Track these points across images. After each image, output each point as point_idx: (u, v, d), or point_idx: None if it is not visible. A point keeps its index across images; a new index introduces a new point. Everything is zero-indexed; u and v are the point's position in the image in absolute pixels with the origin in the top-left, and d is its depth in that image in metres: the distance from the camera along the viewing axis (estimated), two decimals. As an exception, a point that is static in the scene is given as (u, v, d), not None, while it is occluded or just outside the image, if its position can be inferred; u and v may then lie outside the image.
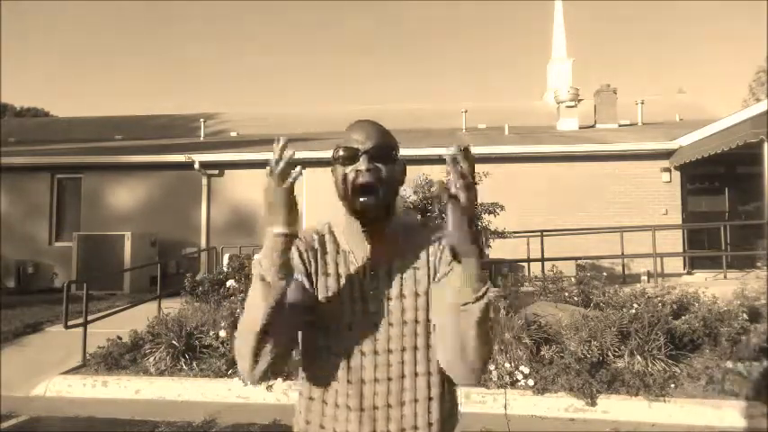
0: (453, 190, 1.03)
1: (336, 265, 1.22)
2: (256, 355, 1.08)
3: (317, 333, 1.20)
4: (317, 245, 1.24)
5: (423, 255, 1.23)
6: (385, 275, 1.21)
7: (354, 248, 1.23)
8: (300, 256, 1.21)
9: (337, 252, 1.24)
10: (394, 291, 1.20)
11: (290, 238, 1.07)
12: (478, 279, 1.06)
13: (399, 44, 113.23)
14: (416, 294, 1.20)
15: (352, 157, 1.18)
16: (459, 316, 1.07)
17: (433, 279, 1.21)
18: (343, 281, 1.21)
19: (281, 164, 1.04)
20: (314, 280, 1.21)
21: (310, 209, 11.65)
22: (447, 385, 1.22)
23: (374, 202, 1.16)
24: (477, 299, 1.06)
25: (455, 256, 1.06)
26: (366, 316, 1.18)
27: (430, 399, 1.18)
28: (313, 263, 1.22)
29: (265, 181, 1.06)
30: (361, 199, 1.15)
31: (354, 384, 1.16)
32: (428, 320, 1.19)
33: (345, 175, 1.18)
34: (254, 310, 1.06)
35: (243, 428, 4.25)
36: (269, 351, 1.08)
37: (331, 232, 1.27)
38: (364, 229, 1.20)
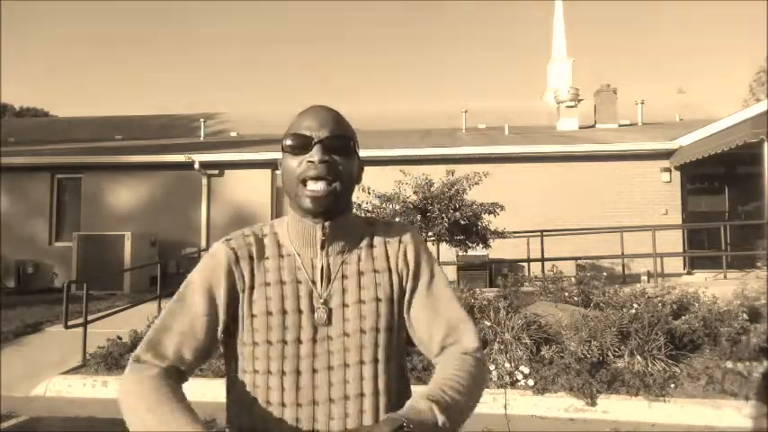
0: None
1: (280, 270, 1.06)
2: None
3: (256, 351, 1.02)
4: (253, 250, 1.07)
5: (380, 253, 1.10)
6: (339, 280, 1.06)
7: (301, 251, 1.07)
8: (231, 268, 1.05)
9: (280, 256, 1.08)
10: (351, 296, 1.05)
11: None
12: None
13: (399, 44, 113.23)
14: (377, 299, 1.06)
15: (303, 146, 1.03)
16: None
17: (397, 283, 1.09)
18: (288, 288, 1.04)
19: None
20: (243, 297, 1.04)
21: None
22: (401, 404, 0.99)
23: (327, 200, 1.02)
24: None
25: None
26: (318, 327, 1.03)
27: (376, 409, 1.02)
28: (247, 274, 1.05)
29: None
30: (311, 198, 1.01)
31: (305, 407, 1.00)
32: (389, 329, 1.06)
33: (295, 167, 1.03)
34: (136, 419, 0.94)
35: None
36: None
37: (273, 233, 1.11)
38: (318, 224, 1.05)
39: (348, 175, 1.06)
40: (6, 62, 72.75)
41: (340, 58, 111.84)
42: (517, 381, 4.66)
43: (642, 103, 15.79)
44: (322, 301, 1.04)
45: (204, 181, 11.93)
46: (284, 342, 1.01)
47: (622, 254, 9.74)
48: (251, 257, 1.07)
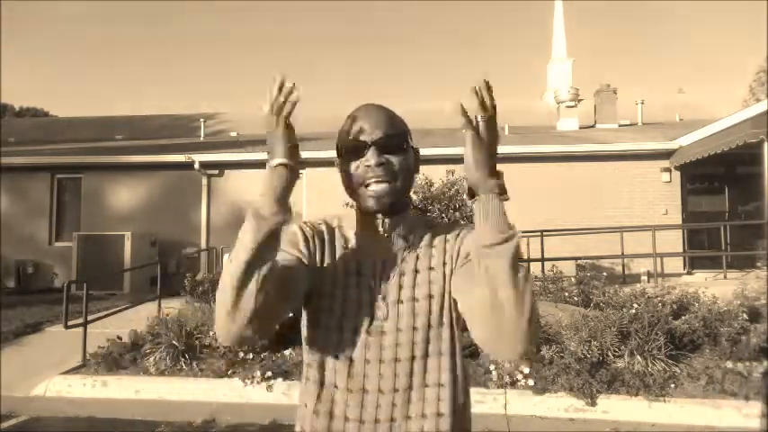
0: (474, 122, 0.95)
1: (344, 262, 1.10)
2: (237, 296, 0.91)
3: (318, 334, 1.08)
4: (325, 235, 1.12)
5: (439, 252, 1.11)
6: (397, 276, 1.08)
7: (364, 246, 1.11)
8: (306, 240, 1.09)
9: (346, 247, 1.12)
10: (406, 292, 1.07)
11: (291, 170, 0.97)
12: (503, 216, 0.92)
13: (399, 44, 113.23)
14: (429, 297, 1.07)
15: (358, 150, 1.05)
16: (487, 264, 0.90)
17: (450, 273, 1.09)
18: (350, 280, 1.09)
19: (281, 98, 0.94)
20: (313, 273, 1.08)
21: (310, 208, 11.66)
22: (461, 399, 1.08)
23: (387, 198, 1.05)
24: (506, 240, 0.90)
25: (473, 195, 0.95)
26: (374, 320, 1.06)
27: (439, 414, 1.04)
28: (318, 252, 1.09)
29: (265, 115, 0.96)
30: (373, 197, 1.05)
31: (355, 393, 1.04)
32: (441, 325, 1.06)
33: (354, 171, 1.06)
34: (240, 245, 0.95)
35: (243, 428, 4.25)
36: (253, 293, 0.91)
37: (340, 226, 1.16)
38: (379, 220, 1.09)
39: (405, 171, 1.08)
40: (6, 62, 72.78)
41: (340, 58, 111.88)
42: (517, 381, 4.66)
43: (642, 103, 15.79)
44: (381, 296, 1.07)
45: (204, 181, 11.93)
46: (341, 329, 1.06)
47: (622, 254, 9.73)
48: (321, 240, 1.12)
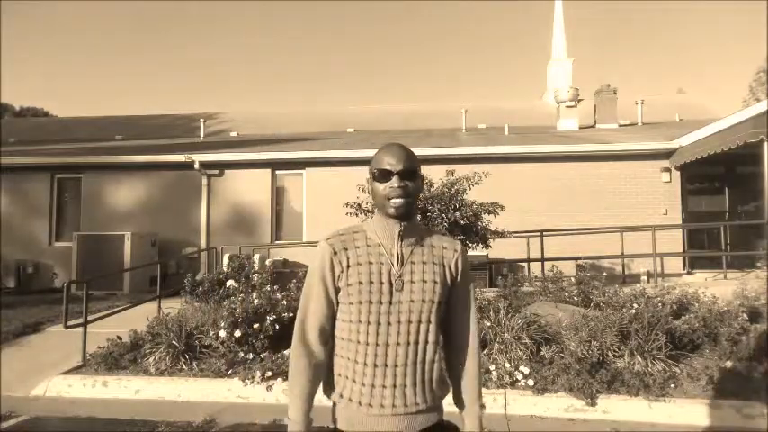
0: None
1: (368, 254, 1.56)
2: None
3: (351, 308, 1.53)
4: (348, 244, 1.58)
5: (438, 253, 1.62)
6: (409, 263, 1.56)
7: (384, 242, 1.58)
8: (332, 259, 1.56)
9: (368, 245, 1.58)
10: (417, 276, 1.55)
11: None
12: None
13: (399, 44, 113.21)
14: (434, 281, 1.57)
15: (386, 176, 1.54)
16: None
17: (448, 275, 1.60)
18: (374, 267, 1.54)
19: None
20: (341, 276, 1.55)
21: (310, 207, 11.66)
22: (440, 353, 1.61)
23: (403, 209, 1.54)
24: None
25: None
26: (394, 294, 1.53)
27: (433, 361, 1.56)
28: (344, 260, 1.56)
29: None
30: (394, 208, 1.54)
31: (381, 346, 1.51)
32: (439, 303, 1.56)
33: (382, 190, 1.55)
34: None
35: (243, 428, 4.25)
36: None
37: (363, 231, 1.62)
38: (396, 223, 1.56)
39: (416, 191, 1.60)
40: (6, 62, 72.73)
41: (340, 58, 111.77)
42: (517, 381, 4.65)
43: (642, 103, 15.79)
44: (398, 276, 1.55)
45: (204, 181, 11.93)
46: (370, 302, 1.52)
47: (622, 254, 9.73)
48: (345, 249, 1.58)
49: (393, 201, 1.53)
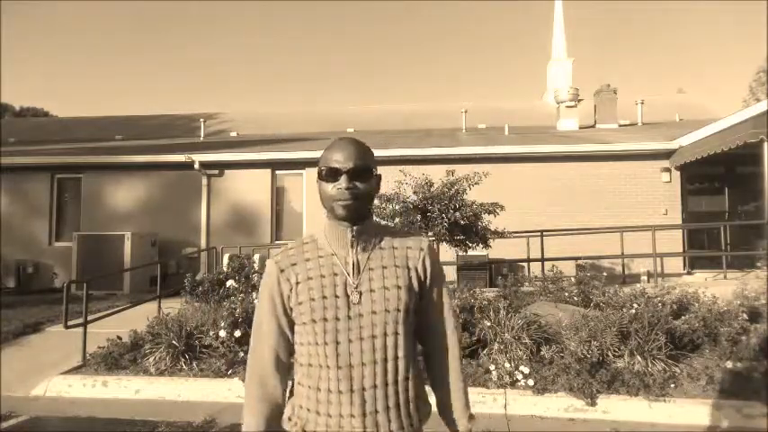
0: None
1: (320, 267, 1.39)
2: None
3: (305, 328, 1.35)
4: (296, 258, 1.42)
5: (401, 254, 1.43)
6: (366, 270, 1.38)
7: (337, 250, 1.40)
8: (278, 278, 1.40)
9: (320, 256, 1.41)
10: (377, 283, 1.37)
11: None
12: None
13: (399, 44, 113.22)
14: (398, 287, 1.38)
15: (334, 175, 1.35)
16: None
17: (415, 278, 1.42)
18: (326, 280, 1.37)
19: None
20: (291, 295, 1.39)
21: (309, 207, 11.66)
22: (417, 368, 1.41)
23: (353, 210, 1.36)
24: None
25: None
26: (351, 307, 1.34)
27: (407, 379, 1.36)
28: (292, 277, 1.39)
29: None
30: (342, 207, 1.35)
31: (344, 369, 1.31)
32: (407, 311, 1.37)
33: (329, 190, 1.36)
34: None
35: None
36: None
37: (314, 240, 1.45)
38: (348, 228, 1.38)
39: (367, 193, 1.38)
40: (6, 62, 72.72)
41: (340, 58, 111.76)
42: (517, 381, 4.65)
43: (642, 103, 15.79)
44: (354, 287, 1.36)
45: (204, 181, 11.93)
46: (325, 320, 1.33)
47: (622, 254, 9.73)
48: (293, 264, 1.41)
49: (341, 202, 1.35)
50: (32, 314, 7.78)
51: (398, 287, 1.38)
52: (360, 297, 1.35)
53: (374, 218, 1.50)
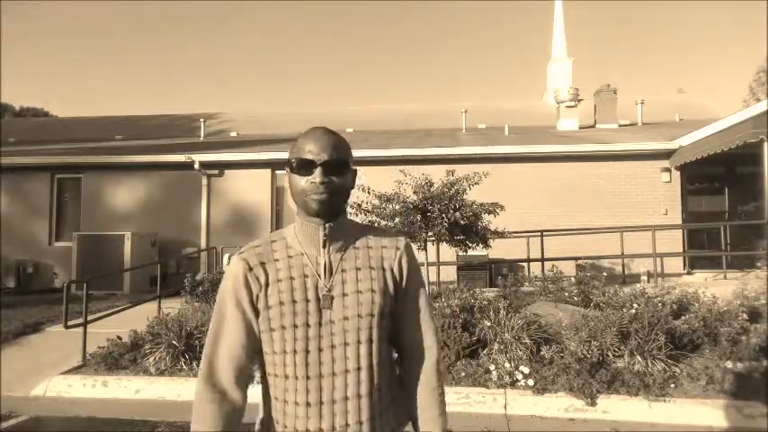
0: None
1: (289, 268, 1.27)
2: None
3: (273, 335, 1.24)
4: (266, 257, 1.29)
5: (376, 254, 1.32)
6: (339, 272, 1.27)
7: (307, 250, 1.29)
8: (246, 276, 1.27)
9: (289, 256, 1.29)
10: (350, 287, 1.26)
11: None
12: None
13: (399, 44, 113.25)
14: (372, 291, 1.27)
15: (307, 168, 1.23)
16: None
17: (390, 279, 1.31)
18: (296, 282, 1.25)
19: None
20: (260, 296, 1.26)
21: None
22: (389, 377, 1.32)
23: (327, 206, 1.24)
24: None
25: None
26: (322, 313, 1.24)
27: (380, 389, 1.26)
28: (261, 276, 1.26)
29: None
30: (315, 202, 1.23)
31: (313, 379, 1.21)
32: (381, 315, 1.27)
33: (301, 184, 1.25)
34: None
35: (243, 428, 4.25)
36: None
37: (282, 238, 1.33)
38: (320, 225, 1.27)
39: (342, 188, 1.28)
40: (6, 62, 72.73)
41: (340, 58, 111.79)
42: (517, 381, 4.66)
43: (642, 103, 15.79)
44: (326, 290, 1.25)
45: (204, 181, 11.93)
46: (295, 326, 1.22)
47: (622, 254, 9.74)
48: (262, 263, 1.28)
49: (314, 197, 1.23)
50: (32, 314, 7.78)
51: (372, 290, 1.27)
52: (331, 302, 1.24)
53: (348, 215, 1.40)
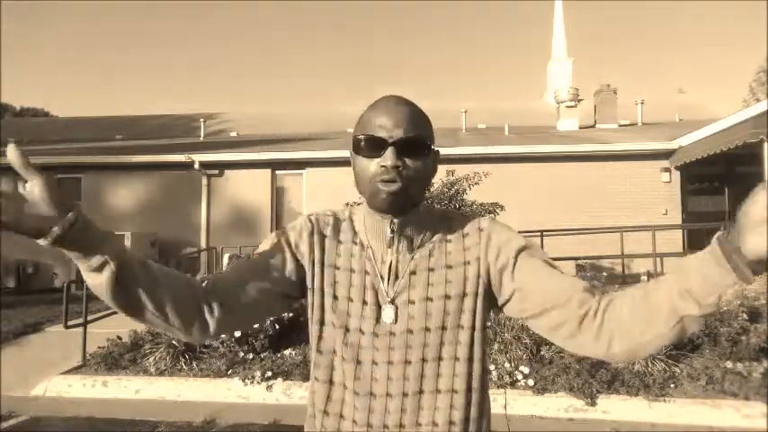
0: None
1: (351, 257, 1.05)
2: (180, 331, 0.96)
3: (323, 330, 1.04)
4: (329, 231, 1.08)
5: (456, 248, 1.05)
6: (407, 276, 1.02)
7: (373, 243, 1.05)
8: (312, 233, 1.07)
9: (354, 243, 1.06)
10: (418, 292, 1.01)
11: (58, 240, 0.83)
12: (716, 294, 0.85)
13: (399, 44, 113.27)
14: (446, 297, 1.01)
15: (377, 148, 0.97)
16: (677, 306, 0.91)
17: (483, 273, 1.02)
18: (355, 277, 1.03)
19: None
20: (311, 270, 1.05)
21: (309, 206, 11.66)
22: (476, 407, 1.03)
23: (400, 200, 0.98)
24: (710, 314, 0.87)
25: (720, 256, 0.86)
26: (381, 321, 1.01)
27: (451, 423, 0.99)
28: (317, 250, 1.05)
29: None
30: (387, 194, 0.97)
31: (362, 397, 0.99)
32: (458, 327, 1.01)
33: (368, 168, 0.99)
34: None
35: (243, 428, 4.25)
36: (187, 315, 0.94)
37: (351, 219, 1.10)
38: (388, 220, 1.02)
39: (421, 175, 1.01)
40: (6, 62, 72.75)
41: (340, 57, 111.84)
42: (517, 381, 4.66)
43: (642, 103, 15.79)
44: (389, 299, 1.02)
45: (204, 181, 11.93)
46: (346, 329, 1.02)
47: (622, 254, 9.72)
48: (325, 235, 1.08)
49: (383, 187, 0.96)
50: (32, 314, 7.78)
51: (446, 297, 1.01)
52: (395, 311, 1.01)
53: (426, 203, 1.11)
